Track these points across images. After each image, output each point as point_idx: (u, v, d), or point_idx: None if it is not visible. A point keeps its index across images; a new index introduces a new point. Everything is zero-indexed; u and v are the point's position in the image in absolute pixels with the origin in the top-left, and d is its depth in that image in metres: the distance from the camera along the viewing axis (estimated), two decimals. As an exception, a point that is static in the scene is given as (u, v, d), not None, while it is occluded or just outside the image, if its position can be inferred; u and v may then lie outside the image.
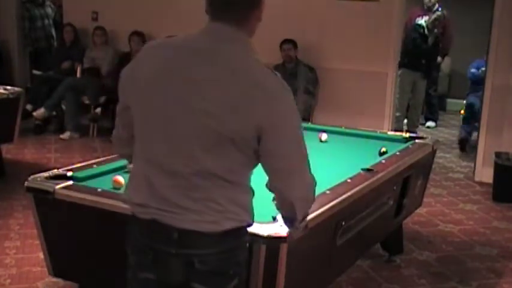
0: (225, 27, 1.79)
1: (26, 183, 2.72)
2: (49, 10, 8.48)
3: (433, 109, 8.76)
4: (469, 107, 7.01)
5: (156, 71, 1.78)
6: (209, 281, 1.82)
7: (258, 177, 3.06)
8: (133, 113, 1.86)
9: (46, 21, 8.37)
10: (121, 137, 2.03)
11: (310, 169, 1.89)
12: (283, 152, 1.81)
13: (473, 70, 7.35)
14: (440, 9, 7.57)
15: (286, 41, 6.15)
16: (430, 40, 7.43)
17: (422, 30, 7.31)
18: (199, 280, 1.81)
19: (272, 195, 1.97)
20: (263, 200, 2.73)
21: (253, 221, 1.90)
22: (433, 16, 7.40)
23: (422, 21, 7.28)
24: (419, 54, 7.28)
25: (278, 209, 2.03)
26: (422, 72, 7.45)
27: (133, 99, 1.85)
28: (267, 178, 1.89)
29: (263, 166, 1.86)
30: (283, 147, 1.80)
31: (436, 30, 7.50)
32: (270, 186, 1.91)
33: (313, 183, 1.90)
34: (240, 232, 1.86)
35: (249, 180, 1.91)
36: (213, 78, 1.72)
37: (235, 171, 1.82)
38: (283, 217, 2.05)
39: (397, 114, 6.96)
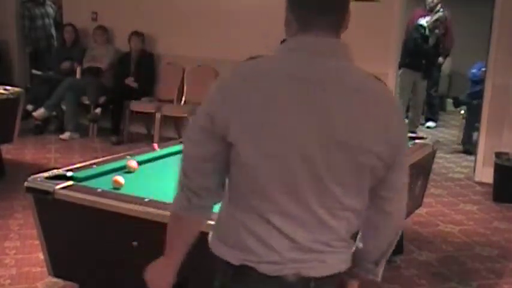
0: (332, 38, 1.59)
1: (25, 184, 2.72)
2: (50, 10, 8.48)
3: (433, 109, 8.76)
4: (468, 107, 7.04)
5: (276, 104, 1.48)
6: None
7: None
8: (241, 156, 1.51)
9: (46, 21, 8.36)
10: (209, 188, 1.59)
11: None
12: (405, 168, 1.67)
13: (474, 70, 7.36)
14: (442, 10, 7.57)
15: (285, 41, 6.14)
16: (431, 41, 7.43)
17: (423, 31, 7.32)
18: None
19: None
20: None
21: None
22: (434, 17, 7.41)
23: (423, 21, 7.29)
24: (419, 54, 7.28)
25: (368, 248, 1.76)
26: (422, 72, 7.45)
27: (244, 138, 1.49)
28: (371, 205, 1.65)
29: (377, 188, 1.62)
30: (405, 164, 1.67)
31: (437, 31, 7.49)
32: (377, 213, 1.67)
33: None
34: None
35: None
36: (343, 103, 1.50)
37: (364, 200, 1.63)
38: (370, 258, 1.78)
39: None
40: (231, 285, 1.63)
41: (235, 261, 1.58)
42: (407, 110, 7.83)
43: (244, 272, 1.57)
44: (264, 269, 1.55)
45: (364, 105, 1.51)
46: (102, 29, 7.31)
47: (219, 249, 1.65)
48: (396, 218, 1.70)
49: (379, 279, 1.80)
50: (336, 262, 1.61)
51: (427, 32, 7.33)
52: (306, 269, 1.56)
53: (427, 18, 7.35)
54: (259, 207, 1.53)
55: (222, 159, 1.55)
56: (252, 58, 1.64)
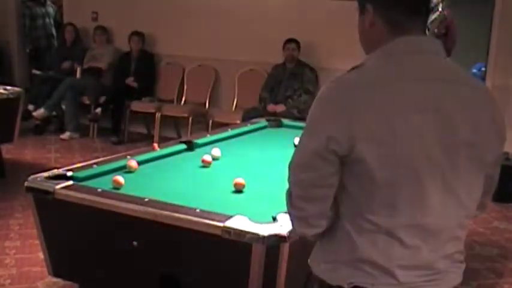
0: (430, 38, 1.54)
1: (26, 183, 2.72)
2: (50, 9, 8.48)
3: None
4: None
5: (402, 110, 1.41)
6: None
7: (258, 176, 3.07)
8: (369, 169, 1.40)
9: (47, 20, 8.37)
10: (324, 214, 1.50)
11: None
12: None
13: (474, 71, 7.36)
14: (441, 9, 7.56)
15: (290, 41, 6.14)
16: None
17: None
18: None
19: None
20: (263, 200, 2.73)
21: None
22: (433, 16, 7.40)
23: None
24: None
25: None
26: None
27: (373, 152, 1.40)
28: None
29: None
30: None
31: (436, 31, 7.49)
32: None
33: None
34: None
35: None
36: (460, 100, 1.47)
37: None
38: None
39: None
40: None
41: (346, 285, 1.49)
42: None
43: None
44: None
45: (476, 101, 1.50)
46: (102, 29, 7.31)
47: (329, 273, 1.54)
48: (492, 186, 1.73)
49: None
50: (455, 277, 1.55)
51: (426, 32, 7.35)
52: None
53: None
54: (385, 223, 1.43)
55: (336, 181, 1.46)
56: (354, 68, 1.59)
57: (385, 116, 1.39)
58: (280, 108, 5.96)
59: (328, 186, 1.46)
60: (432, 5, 7.49)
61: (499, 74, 5.78)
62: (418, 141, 1.40)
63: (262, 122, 4.50)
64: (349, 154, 1.40)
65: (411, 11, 1.48)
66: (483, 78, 6.08)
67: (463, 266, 1.57)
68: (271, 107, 5.93)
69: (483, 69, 6.33)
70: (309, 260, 1.64)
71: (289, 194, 1.53)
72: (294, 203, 1.52)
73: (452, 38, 8.00)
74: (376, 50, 1.55)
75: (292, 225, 1.60)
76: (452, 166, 1.44)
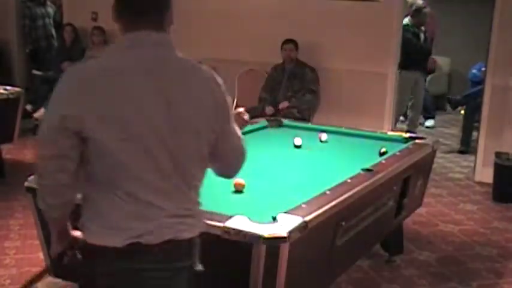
0: (159, 33, 1.78)
1: (25, 184, 2.72)
2: (50, 10, 8.48)
3: (428, 108, 8.75)
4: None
5: (129, 94, 1.70)
6: None
7: (258, 176, 3.07)
8: (102, 145, 1.69)
9: (47, 20, 8.37)
10: (66, 185, 1.76)
11: None
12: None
13: (474, 71, 7.36)
14: (426, 9, 7.62)
15: (287, 41, 6.14)
16: (422, 37, 7.50)
17: (411, 29, 7.31)
18: None
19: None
20: (263, 200, 2.73)
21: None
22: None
23: (406, 20, 7.28)
24: (415, 52, 7.28)
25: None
26: (421, 70, 7.48)
27: (102, 129, 1.69)
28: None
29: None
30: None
31: (423, 28, 7.56)
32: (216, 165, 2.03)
33: None
34: None
35: None
36: (182, 86, 1.78)
37: None
38: None
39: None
40: (120, 265, 1.76)
41: (120, 244, 1.73)
42: (405, 113, 7.86)
43: (130, 249, 1.73)
44: (146, 240, 1.74)
45: (197, 85, 1.80)
46: (100, 29, 7.30)
47: (100, 237, 1.77)
48: (232, 157, 2.01)
49: None
50: (198, 223, 1.89)
51: (412, 29, 7.37)
52: (179, 232, 1.79)
53: (408, 17, 7.37)
54: (128, 187, 1.72)
55: (75, 155, 1.72)
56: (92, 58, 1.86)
57: (113, 99, 1.68)
58: (284, 104, 5.95)
59: (68, 158, 1.71)
60: (408, 4, 7.53)
61: (499, 74, 5.77)
62: (146, 122, 1.70)
63: (262, 122, 4.50)
64: (82, 131, 1.68)
65: (138, 13, 1.79)
66: (483, 78, 6.08)
67: (195, 220, 1.87)
68: (268, 110, 5.89)
69: (483, 69, 6.32)
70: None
71: (37, 167, 1.78)
72: (40, 174, 1.77)
73: (432, 29, 8.09)
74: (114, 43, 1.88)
75: (39, 198, 1.83)
76: (175, 141, 1.74)
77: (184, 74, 1.79)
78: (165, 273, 1.79)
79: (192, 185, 1.86)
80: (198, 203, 1.91)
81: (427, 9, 7.53)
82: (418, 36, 7.36)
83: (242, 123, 2.13)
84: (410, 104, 7.74)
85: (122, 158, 1.70)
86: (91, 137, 1.69)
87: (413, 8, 7.31)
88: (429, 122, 8.65)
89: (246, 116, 2.27)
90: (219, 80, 1.87)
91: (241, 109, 2.26)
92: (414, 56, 6.71)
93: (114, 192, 1.73)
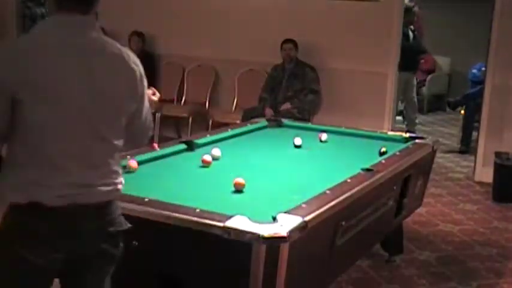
0: (88, 17, 2.01)
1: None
2: (49, 10, 8.49)
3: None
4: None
5: (57, 67, 1.88)
6: None
7: (258, 176, 3.07)
8: (30, 112, 1.86)
9: (46, 21, 8.38)
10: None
11: None
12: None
13: (474, 71, 7.36)
14: (415, 9, 7.64)
15: (287, 41, 6.14)
16: (411, 36, 7.51)
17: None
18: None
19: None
20: (263, 200, 2.73)
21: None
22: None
23: None
24: (407, 53, 7.28)
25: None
26: (411, 69, 7.51)
27: (32, 97, 1.86)
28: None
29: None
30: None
31: (412, 27, 7.58)
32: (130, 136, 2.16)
33: None
34: None
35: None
36: (105, 63, 1.99)
37: None
38: None
39: None
40: (23, 219, 1.90)
41: (24, 200, 1.88)
42: (401, 112, 7.88)
43: (32, 207, 1.88)
44: (50, 202, 1.88)
45: (119, 64, 2.02)
46: (101, 30, 7.30)
47: (12, 195, 1.92)
48: (141, 131, 2.19)
49: None
50: (107, 190, 2.00)
51: (404, 29, 7.38)
52: (82, 198, 1.93)
53: None
54: (47, 150, 1.89)
55: (6, 116, 1.87)
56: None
57: (41, 68, 1.84)
58: (286, 106, 5.94)
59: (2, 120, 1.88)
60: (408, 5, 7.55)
61: (499, 74, 5.78)
62: (68, 91, 1.87)
63: (262, 122, 4.50)
64: (14, 95, 1.83)
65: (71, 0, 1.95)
66: (483, 78, 6.08)
67: (110, 187, 2.01)
68: (268, 112, 5.88)
69: (483, 69, 6.32)
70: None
71: None
72: None
73: (420, 27, 8.11)
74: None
75: None
76: (98, 115, 1.93)
77: (107, 53, 2.01)
78: (71, 234, 1.95)
79: (110, 153, 2.01)
80: (116, 172, 2.04)
81: (415, 9, 7.56)
82: (407, 36, 7.37)
83: (151, 102, 2.31)
84: (404, 104, 7.78)
85: (43, 122, 1.86)
86: (19, 100, 1.84)
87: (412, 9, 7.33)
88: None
89: (155, 97, 2.43)
90: (137, 61, 2.10)
91: (151, 90, 2.41)
92: (404, 57, 6.72)
93: (33, 154, 1.89)
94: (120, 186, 2.06)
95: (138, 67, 2.09)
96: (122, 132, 2.03)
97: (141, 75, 2.09)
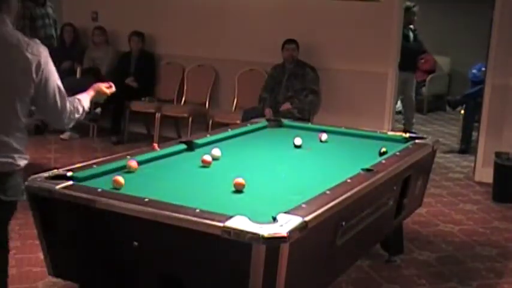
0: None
1: (26, 183, 2.72)
2: (50, 10, 8.47)
3: None
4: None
5: None
6: None
7: (258, 176, 3.07)
8: None
9: (47, 21, 8.36)
10: None
11: None
12: None
13: (474, 71, 7.35)
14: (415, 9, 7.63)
15: (289, 41, 6.14)
16: (411, 36, 7.49)
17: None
18: None
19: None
20: (263, 200, 2.73)
21: None
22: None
23: None
24: (406, 53, 7.28)
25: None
26: (411, 69, 7.51)
27: None
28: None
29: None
30: None
31: (411, 26, 7.57)
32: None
33: None
34: None
35: None
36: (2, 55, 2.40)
37: None
38: None
39: None
40: None
41: None
42: (400, 111, 7.87)
43: None
44: None
45: (14, 53, 2.39)
46: (101, 29, 7.30)
47: None
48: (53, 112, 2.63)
49: None
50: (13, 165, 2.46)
51: (403, 30, 7.37)
52: None
53: None
54: None
55: None
56: None
57: None
58: (286, 106, 5.94)
59: None
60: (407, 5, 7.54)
61: (499, 74, 5.78)
62: None
63: (262, 122, 4.50)
64: None
65: None
66: (483, 78, 6.08)
67: (9, 161, 2.45)
68: (267, 112, 5.87)
69: (483, 69, 6.32)
70: None
71: None
72: None
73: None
74: None
75: None
76: None
77: (6, 44, 2.37)
78: None
79: (6, 132, 2.41)
80: (16, 150, 2.44)
81: (415, 9, 7.55)
82: (407, 37, 7.37)
83: (102, 93, 2.93)
84: (403, 103, 7.77)
85: None
86: None
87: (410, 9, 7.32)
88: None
89: (109, 90, 3.01)
90: (40, 51, 2.45)
91: (107, 83, 3.03)
92: (404, 57, 6.72)
93: None
94: (19, 163, 2.47)
95: (37, 56, 2.44)
96: (20, 114, 2.43)
97: (38, 63, 2.43)
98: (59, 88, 2.57)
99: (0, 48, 2.38)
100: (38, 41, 2.52)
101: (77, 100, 2.76)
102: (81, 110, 2.75)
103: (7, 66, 2.38)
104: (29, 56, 2.41)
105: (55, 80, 2.55)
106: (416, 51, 7.66)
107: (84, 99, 2.87)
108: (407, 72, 7.40)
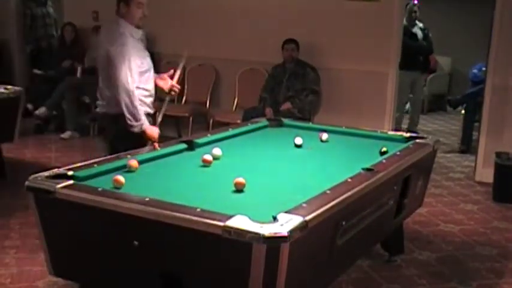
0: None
1: (26, 183, 2.72)
2: (50, 9, 8.49)
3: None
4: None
5: None
6: None
7: (259, 176, 3.07)
8: None
9: (47, 20, 8.37)
10: None
11: None
12: None
13: (475, 71, 7.35)
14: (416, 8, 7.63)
15: (289, 41, 6.14)
16: (420, 35, 7.48)
17: (406, 29, 7.32)
18: None
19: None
20: (264, 199, 2.73)
21: None
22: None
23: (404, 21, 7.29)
24: (414, 52, 7.27)
25: None
26: (420, 69, 7.49)
27: None
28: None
29: None
30: None
31: (421, 25, 7.55)
32: None
33: None
34: None
35: None
36: None
37: None
38: None
39: (396, 114, 6.97)
40: None
41: None
42: (407, 111, 7.86)
43: None
44: None
45: None
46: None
47: None
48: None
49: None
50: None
51: (411, 29, 7.36)
52: None
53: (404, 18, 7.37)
54: None
55: None
56: None
57: None
58: (286, 106, 5.94)
59: None
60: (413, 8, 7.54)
61: (499, 74, 5.78)
62: None
63: (263, 121, 4.51)
64: None
65: None
66: (483, 78, 6.08)
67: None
68: (268, 111, 5.87)
69: (483, 69, 6.32)
70: None
71: None
72: None
73: None
74: None
75: None
76: None
77: None
78: None
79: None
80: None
81: (415, 8, 7.55)
82: (415, 36, 7.36)
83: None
84: (410, 103, 7.75)
85: None
86: None
87: (407, 7, 7.33)
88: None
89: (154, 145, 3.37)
90: None
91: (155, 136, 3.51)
92: (411, 56, 6.72)
93: None
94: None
95: None
96: None
97: None
98: None
99: None
100: None
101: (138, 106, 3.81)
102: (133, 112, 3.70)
103: None
104: None
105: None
106: (426, 50, 7.61)
107: (142, 115, 3.96)
108: (416, 72, 7.39)
